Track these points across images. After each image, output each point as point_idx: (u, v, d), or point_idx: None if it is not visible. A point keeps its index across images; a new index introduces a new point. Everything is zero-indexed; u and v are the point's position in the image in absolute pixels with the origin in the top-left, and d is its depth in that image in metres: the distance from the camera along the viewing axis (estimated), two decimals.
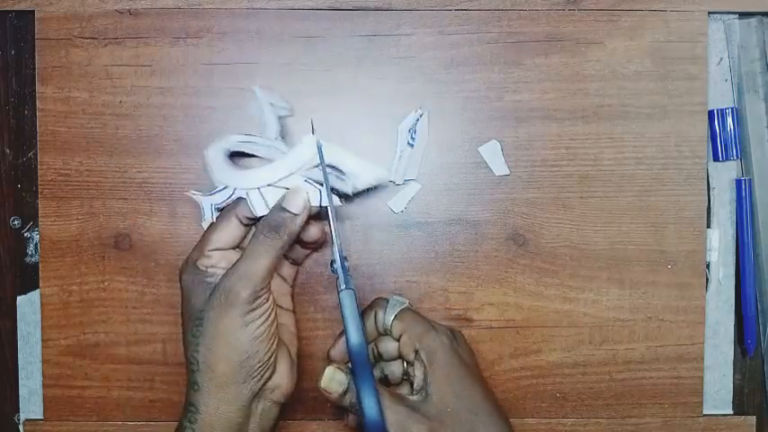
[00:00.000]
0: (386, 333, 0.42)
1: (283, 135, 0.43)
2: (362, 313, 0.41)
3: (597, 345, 0.47)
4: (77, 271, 0.46)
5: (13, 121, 0.46)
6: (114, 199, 0.46)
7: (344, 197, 0.43)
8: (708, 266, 0.47)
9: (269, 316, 0.39)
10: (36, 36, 0.45)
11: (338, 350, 0.42)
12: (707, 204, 0.47)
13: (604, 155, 0.46)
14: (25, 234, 0.47)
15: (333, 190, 0.42)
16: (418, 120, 0.46)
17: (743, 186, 0.47)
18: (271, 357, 0.39)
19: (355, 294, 0.39)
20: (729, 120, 0.47)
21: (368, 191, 0.44)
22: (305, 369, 0.46)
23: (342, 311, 0.39)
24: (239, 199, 0.41)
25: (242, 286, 0.37)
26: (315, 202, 0.41)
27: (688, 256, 0.46)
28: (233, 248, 0.41)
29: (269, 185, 0.41)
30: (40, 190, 0.45)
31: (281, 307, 0.43)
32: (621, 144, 0.46)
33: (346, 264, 0.40)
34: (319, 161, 0.41)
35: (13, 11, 0.46)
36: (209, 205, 0.42)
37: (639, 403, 0.47)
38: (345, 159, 0.42)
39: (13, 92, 0.46)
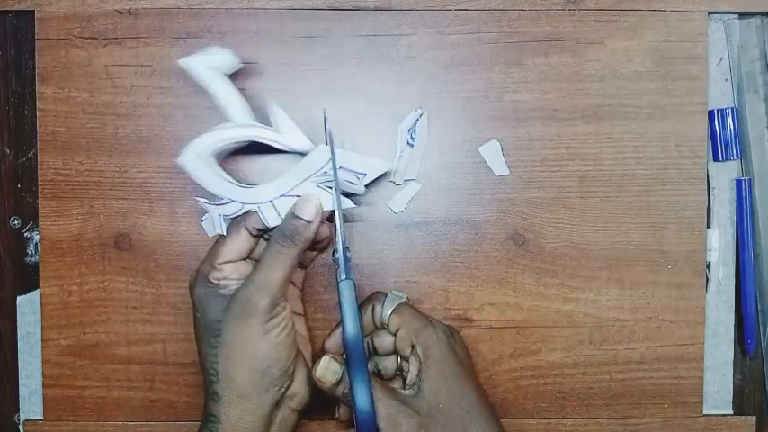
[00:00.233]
0: (382, 327, 0.42)
1: (260, 115, 0.42)
2: (360, 306, 0.42)
3: (597, 345, 0.47)
4: (77, 271, 0.46)
5: (13, 121, 0.46)
6: (114, 199, 0.46)
7: (354, 197, 0.43)
8: (708, 266, 0.47)
9: (287, 324, 0.39)
10: (36, 36, 0.45)
11: (334, 341, 0.42)
12: (707, 204, 0.47)
13: (604, 155, 0.46)
14: (25, 234, 0.47)
15: (345, 194, 0.42)
16: (418, 120, 0.46)
17: (743, 186, 0.47)
18: (290, 365, 0.39)
19: (355, 285, 0.40)
20: (729, 120, 0.47)
21: (372, 182, 0.44)
22: None
23: (340, 301, 0.39)
24: (249, 211, 0.41)
25: (260, 296, 0.38)
26: (327, 207, 0.41)
27: (688, 256, 0.46)
28: (243, 260, 0.41)
29: (281, 196, 0.41)
30: (40, 190, 0.45)
31: (294, 312, 0.43)
32: (621, 144, 0.46)
33: (348, 254, 0.40)
34: (331, 165, 0.40)
35: (13, 11, 0.46)
36: (217, 215, 0.41)
37: (639, 403, 0.47)
38: (349, 159, 0.42)
39: (13, 92, 0.46)
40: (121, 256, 0.46)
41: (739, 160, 0.47)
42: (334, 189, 0.40)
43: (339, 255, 0.40)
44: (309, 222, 0.40)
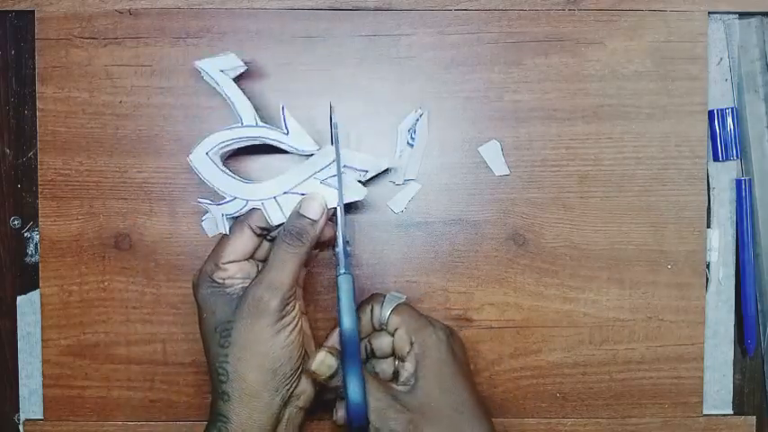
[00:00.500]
0: (381, 328, 0.42)
1: (258, 110, 0.42)
2: (359, 307, 0.42)
3: (597, 345, 0.47)
4: (77, 271, 0.46)
5: (13, 121, 0.46)
6: (114, 199, 0.45)
7: (359, 197, 0.43)
8: (708, 266, 0.47)
9: (297, 323, 0.39)
10: (36, 36, 0.45)
11: (332, 339, 0.42)
12: (707, 204, 0.47)
13: (604, 155, 0.46)
14: (25, 234, 0.47)
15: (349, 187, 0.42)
16: (418, 120, 0.46)
17: (743, 186, 0.47)
18: (299, 364, 0.39)
19: (353, 279, 0.40)
20: (729, 120, 0.47)
21: (372, 179, 0.44)
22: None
23: (338, 295, 0.40)
24: (252, 209, 0.41)
25: (271, 296, 0.38)
26: (332, 204, 0.41)
27: (688, 256, 0.46)
28: (247, 260, 0.41)
29: (284, 193, 0.41)
30: (40, 190, 0.45)
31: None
32: (621, 144, 0.46)
33: (348, 248, 0.40)
34: (336, 151, 0.41)
35: (13, 11, 0.46)
36: (220, 215, 0.41)
37: (639, 403, 0.47)
38: (351, 157, 0.42)
39: (13, 92, 0.46)
40: (121, 256, 0.46)
41: (739, 160, 0.47)
42: (337, 181, 0.41)
43: (339, 249, 0.40)
44: (315, 221, 0.40)
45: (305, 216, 0.40)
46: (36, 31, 0.45)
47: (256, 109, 0.42)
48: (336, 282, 0.40)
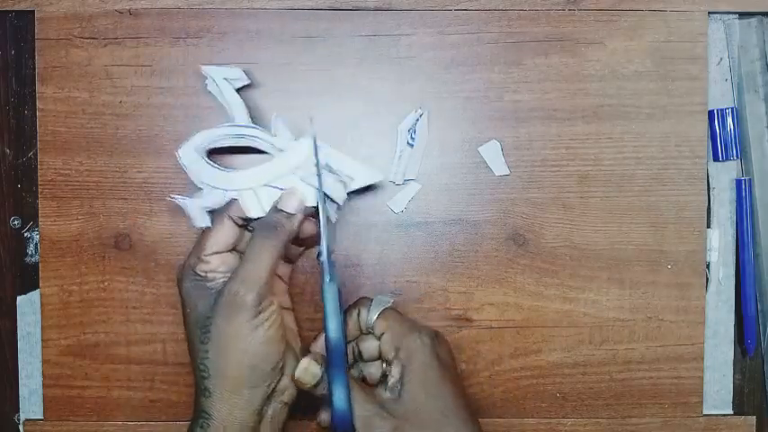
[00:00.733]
0: (368, 332, 0.42)
1: (253, 117, 0.43)
2: (346, 311, 0.42)
3: (597, 345, 0.47)
4: (77, 271, 0.46)
5: (13, 121, 0.46)
6: (114, 199, 0.46)
7: (338, 201, 0.43)
8: (708, 266, 0.47)
9: (276, 318, 0.39)
10: (36, 36, 0.45)
11: (319, 344, 0.42)
12: (707, 204, 0.47)
13: (604, 155, 0.46)
14: (25, 234, 0.47)
15: (328, 196, 0.42)
16: (418, 120, 0.46)
17: (743, 186, 0.47)
18: (280, 360, 0.39)
19: (339, 287, 0.40)
20: (729, 120, 0.47)
21: (362, 189, 0.44)
22: None
23: (324, 304, 0.39)
24: (232, 200, 0.41)
25: (246, 290, 0.38)
26: (311, 203, 0.41)
27: (688, 256, 0.46)
28: (230, 251, 0.41)
29: (264, 186, 0.41)
30: (40, 190, 0.45)
31: (282, 307, 0.43)
32: (621, 144, 0.46)
33: (332, 257, 0.40)
34: (315, 160, 0.41)
35: (13, 11, 0.46)
36: (198, 208, 0.41)
37: (639, 403, 0.47)
38: (340, 161, 0.42)
39: (13, 92, 0.46)
40: (121, 256, 0.46)
41: (739, 160, 0.47)
42: (318, 192, 0.40)
43: (323, 258, 0.40)
44: (292, 215, 0.40)
45: (283, 210, 0.40)
46: (36, 31, 0.45)
47: (252, 117, 0.43)
48: (321, 290, 0.39)
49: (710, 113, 0.47)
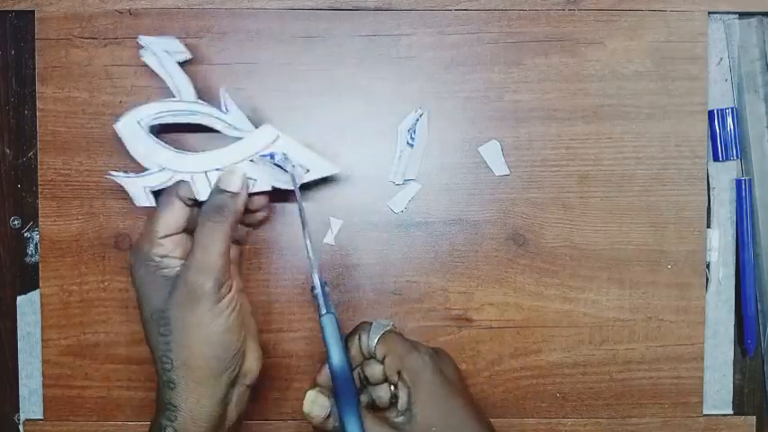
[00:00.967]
0: (371, 357, 0.41)
1: (202, 96, 0.42)
2: (347, 338, 0.41)
3: (597, 345, 0.47)
4: (77, 271, 0.46)
5: (13, 121, 0.46)
6: (114, 199, 0.45)
7: (286, 187, 0.42)
8: (708, 266, 0.47)
9: (236, 304, 0.39)
10: (36, 36, 0.45)
11: (325, 377, 0.41)
12: (707, 204, 0.47)
13: (604, 155, 0.46)
14: (25, 234, 0.47)
15: (279, 181, 0.41)
16: (418, 120, 0.46)
17: (743, 186, 0.47)
18: (242, 345, 0.39)
19: (336, 318, 0.39)
20: (729, 120, 0.47)
21: (315, 182, 0.44)
22: (304, 370, 0.46)
23: (323, 336, 0.39)
24: (180, 181, 0.40)
25: (204, 278, 0.37)
26: (262, 187, 0.40)
27: (688, 256, 0.46)
28: (181, 233, 0.40)
29: (216, 170, 0.40)
30: (40, 190, 0.45)
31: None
32: (621, 144, 0.46)
33: (326, 288, 0.40)
34: (270, 151, 0.40)
35: (13, 11, 0.46)
36: (140, 188, 0.40)
37: (639, 403, 0.47)
38: (297, 151, 0.41)
39: (13, 92, 0.46)
40: (121, 256, 0.46)
41: (739, 160, 0.47)
42: (303, 230, 0.40)
43: (318, 291, 0.39)
44: (236, 194, 0.39)
45: (225, 190, 0.39)
46: (36, 31, 0.45)
47: (199, 92, 0.42)
48: (320, 323, 0.39)
49: (710, 113, 0.47)
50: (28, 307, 0.47)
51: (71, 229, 0.46)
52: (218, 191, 0.39)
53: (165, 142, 0.41)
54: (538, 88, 0.46)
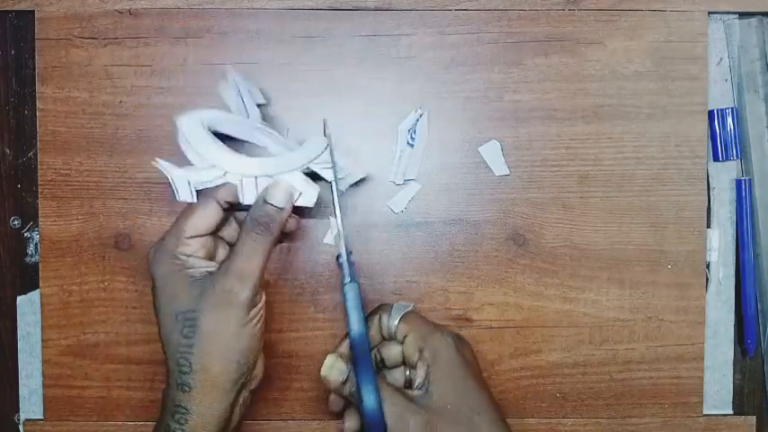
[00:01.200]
0: (390, 338, 0.42)
1: (265, 119, 0.43)
2: (367, 317, 0.41)
3: (597, 345, 0.47)
4: (77, 271, 0.46)
5: (13, 121, 0.46)
6: (114, 199, 0.45)
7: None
8: (708, 266, 0.47)
9: (262, 314, 0.39)
10: (36, 36, 0.45)
11: (346, 347, 0.42)
12: (707, 204, 0.47)
13: (604, 155, 0.46)
14: (25, 234, 0.47)
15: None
16: (418, 120, 0.46)
17: (743, 186, 0.47)
18: (259, 352, 0.39)
19: (359, 287, 0.40)
20: (729, 120, 0.47)
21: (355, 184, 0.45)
22: (304, 370, 0.46)
23: (345, 303, 0.39)
24: (224, 183, 0.40)
25: (242, 287, 0.37)
26: (305, 202, 0.40)
27: (688, 256, 0.46)
28: (210, 234, 0.40)
29: (267, 176, 0.40)
30: (40, 190, 0.45)
31: None
32: (621, 144, 0.46)
33: (351, 258, 0.40)
34: (328, 159, 0.41)
35: (13, 11, 0.46)
36: (184, 181, 0.39)
37: (639, 403, 0.47)
38: (341, 158, 0.42)
39: (13, 92, 0.46)
40: (121, 256, 0.46)
41: (739, 160, 0.47)
42: (334, 194, 0.40)
43: (343, 259, 0.40)
44: (282, 209, 0.39)
45: (271, 204, 0.39)
46: (36, 31, 0.45)
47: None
48: (342, 291, 0.40)
49: (710, 113, 0.47)
50: (28, 307, 0.47)
51: (71, 229, 0.46)
52: (263, 203, 0.39)
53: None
54: (538, 88, 0.46)
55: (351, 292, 0.40)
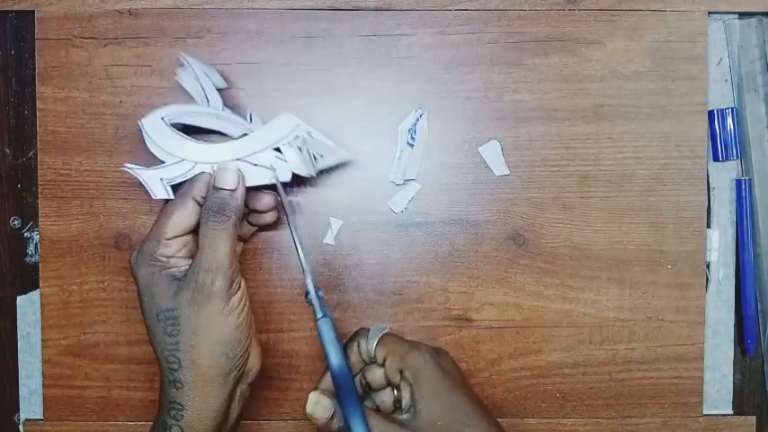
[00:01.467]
0: (371, 361, 0.41)
1: (228, 106, 0.43)
2: (345, 344, 0.41)
3: (597, 345, 0.47)
4: (77, 271, 0.46)
5: (13, 121, 0.46)
6: (114, 199, 0.46)
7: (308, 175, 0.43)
8: (708, 266, 0.47)
9: (246, 301, 0.39)
10: (36, 36, 0.45)
11: (327, 382, 0.41)
12: (707, 204, 0.47)
13: (604, 155, 0.46)
14: (25, 234, 0.47)
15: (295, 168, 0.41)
16: (418, 120, 0.46)
17: (743, 186, 0.47)
18: (249, 343, 0.39)
19: (332, 321, 0.39)
20: (729, 120, 0.47)
21: (329, 169, 0.44)
22: (304, 370, 0.46)
23: (321, 339, 0.39)
24: (194, 179, 0.40)
25: (214, 277, 0.37)
26: (284, 178, 0.40)
27: (688, 256, 0.46)
28: (191, 233, 0.40)
29: (238, 159, 0.40)
30: (40, 190, 0.45)
31: None
32: (621, 144, 0.46)
33: (320, 293, 0.40)
34: (294, 136, 0.40)
35: (13, 11, 0.46)
36: (157, 180, 0.40)
37: (639, 403, 0.47)
38: (316, 137, 0.42)
39: (13, 92, 0.46)
40: (121, 256, 0.46)
41: (739, 160, 0.47)
42: (294, 239, 0.40)
43: (312, 296, 0.40)
44: (233, 191, 0.39)
45: (221, 188, 0.39)
46: (36, 31, 0.45)
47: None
48: (317, 327, 0.39)
49: (710, 113, 0.47)
50: (28, 307, 0.47)
51: (71, 229, 0.46)
52: (214, 190, 0.39)
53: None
54: (538, 88, 0.46)
55: (325, 327, 0.39)
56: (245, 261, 0.46)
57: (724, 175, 0.47)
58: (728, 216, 0.47)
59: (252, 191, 0.41)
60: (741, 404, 0.48)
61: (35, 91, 0.45)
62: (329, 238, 0.46)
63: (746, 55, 0.47)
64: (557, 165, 0.46)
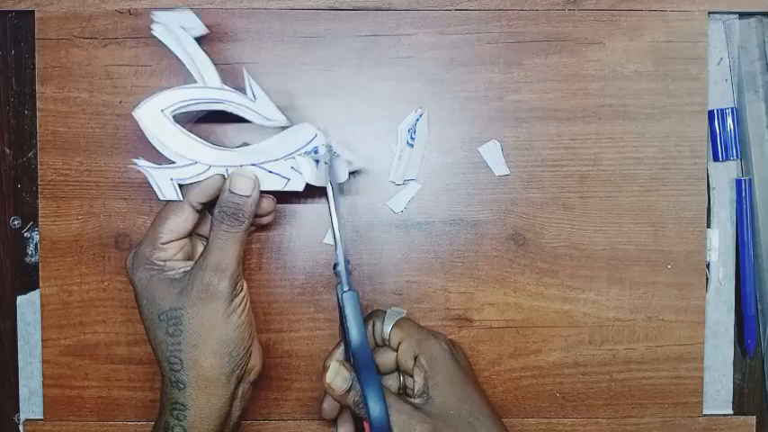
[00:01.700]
0: (383, 344, 0.41)
1: (225, 81, 0.41)
2: None
3: (597, 345, 0.47)
4: (77, 271, 0.46)
5: (13, 121, 0.46)
6: (114, 199, 0.45)
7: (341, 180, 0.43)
8: (708, 266, 0.47)
9: (247, 302, 0.39)
10: (36, 36, 0.45)
11: (337, 354, 0.41)
12: (707, 204, 0.47)
13: (604, 155, 0.46)
14: (25, 234, 0.47)
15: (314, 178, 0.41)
16: (418, 120, 0.46)
17: (743, 186, 0.47)
18: (251, 342, 0.39)
19: (358, 296, 0.39)
20: (729, 120, 0.47)
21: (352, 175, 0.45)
22: (304, 370, 0.46)
23: (344, 312, 0.39)
24: (193, 185, 0.39)
25: (220, 279, 0.37)
26: (297, 188, 0.40)
27: (688, 256, 0.46)
28: (187, 237, 0.40)
29: (253, 165, 0.40)
30: (40, 190, 0.45)
31: None
32: (621, 144, 0.46)
33: (349, 266, 0.40)
34: (312, 147, 0.40)
35: (13, 11, 0.46)
36: (167, 179, 0.39)
37: (639, 403, 0.47)
38: (335, 152, 0.42)
39: (13, 92, 0.46)
40: (121, 256, 0.46)
41: (739, 160, 0.47)
42: (331, 209, 0.40)
43: (341, 268, 0.40)
44: (248, 197, 0.39)
45: (236, 193, 0.39)
46: (36, 31, 0.45)
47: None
48: (341, 299, 0.39)
49: (710, 113, 0.47)
50: (28, 307, 0.47)
51: (71, 229, 0.46)
52: (229, 194, 0.39)
53: (194, 134, 0.40)
54: (538, 88, 0.46)
55: (349, 301, 0.39)
56: (246, 261, 0.46)
57: (724, 175, 0.47)
58: (728, 216, 0.47)
59: None
60: (741, 404, 0.48)
61: (35, 91, 0.45)
62: (329, 239, 0.46)
63: (746, 55, 0.47)
64: (557, 165, 0.46)
